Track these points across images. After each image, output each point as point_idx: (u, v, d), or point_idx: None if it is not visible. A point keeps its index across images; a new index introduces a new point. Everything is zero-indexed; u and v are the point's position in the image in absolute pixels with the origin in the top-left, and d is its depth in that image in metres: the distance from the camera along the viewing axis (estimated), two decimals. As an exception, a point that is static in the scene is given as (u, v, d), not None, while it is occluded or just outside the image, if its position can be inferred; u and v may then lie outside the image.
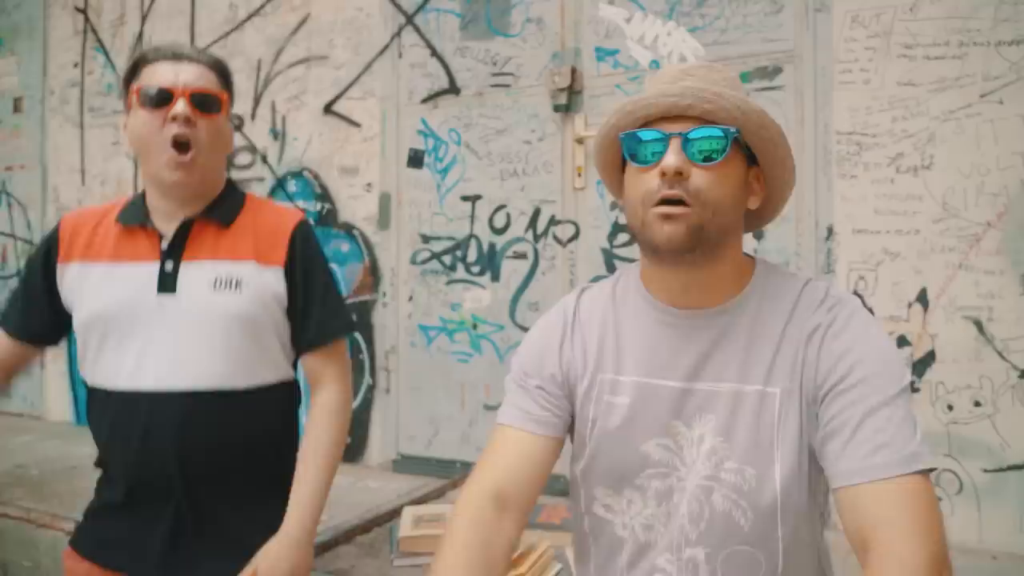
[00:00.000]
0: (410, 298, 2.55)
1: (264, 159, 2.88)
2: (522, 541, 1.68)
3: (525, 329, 2.34)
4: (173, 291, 1.13)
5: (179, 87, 1.12)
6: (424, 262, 2.52)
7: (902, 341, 1.86)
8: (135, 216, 1.17)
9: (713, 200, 0.83)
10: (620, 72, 2.20)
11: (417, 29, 2.54)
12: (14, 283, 3.52)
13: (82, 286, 1.15)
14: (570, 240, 2.27)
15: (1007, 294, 1.77)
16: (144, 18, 3.22)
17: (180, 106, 1.11)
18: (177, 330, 1.12)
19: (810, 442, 0.84)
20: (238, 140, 2.95)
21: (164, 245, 1.15)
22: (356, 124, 2.66)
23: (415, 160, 2.54)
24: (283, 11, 2.84)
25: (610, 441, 0.91)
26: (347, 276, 2.68)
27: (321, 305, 1.21)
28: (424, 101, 2.53)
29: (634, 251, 2.18)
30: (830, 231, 1.94)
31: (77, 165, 3.42)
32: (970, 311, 1.80)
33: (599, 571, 0.95)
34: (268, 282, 1.17)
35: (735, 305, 0.89)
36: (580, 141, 2.23)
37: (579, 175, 2.24)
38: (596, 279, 2.22)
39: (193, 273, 1.14)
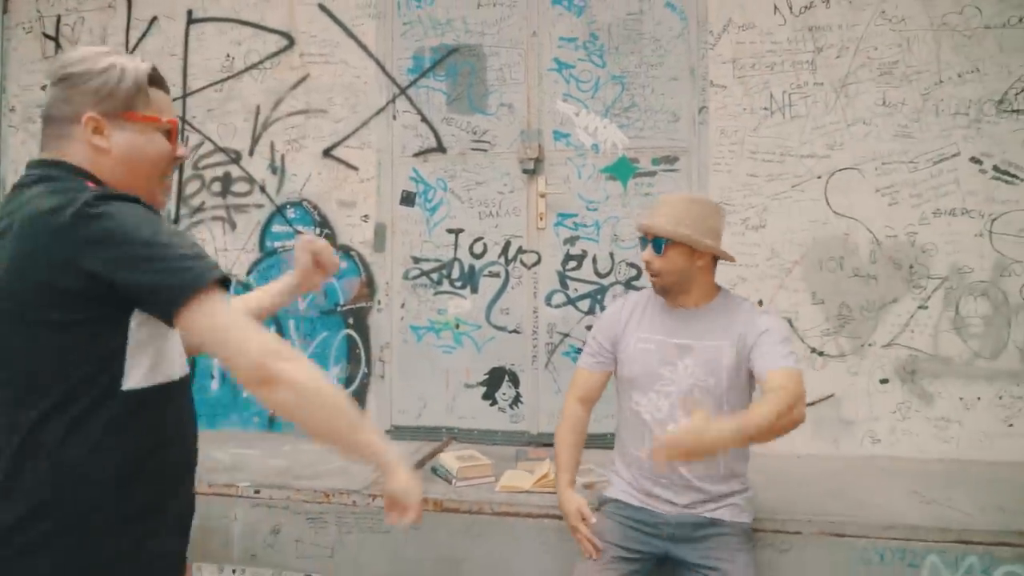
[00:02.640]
0: (402, 305, 3.31)
1: (263, 189, 3.45)
2: (539, 468, 2.58)
3: (498, 328, 3.22)
4: None
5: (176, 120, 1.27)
6: (415, 278, 3.30)
7: (748, 332, 3.02)
8: None
9: (665, 272, 1.94)
10: (571, 150, 3.17)
11: (409, 99, 3.32)
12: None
13: None
14: (533, 264, 3.20)
15: (804, 303, 3.00)
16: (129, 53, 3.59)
17: (185, 151, 1.30)
18: None
19: (743, 363, 1.91)
20: (236, 171, 3.49)
21: None
22: (354, 167, 3.36)
23: (407, 200, 3.31)
24: (282, 68, 3.44)
25: (641, 366, 1.99)
26: (345, 288, 3.36)
27: None
28: (415, 155, 3.31)
29: (580, 272, 3.17)
30: (707, 263, 3.07)
31: (44, 180, 3.67)
32: (785, 313, 3.01)
33: (633, 443, 2.00)
34: None
35: (705, 308, 1.99)
36: (543, 195, 3.17)
37: (541, 219, 3.18)
38: (553, 292, 3.17)
39: None
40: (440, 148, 3.29)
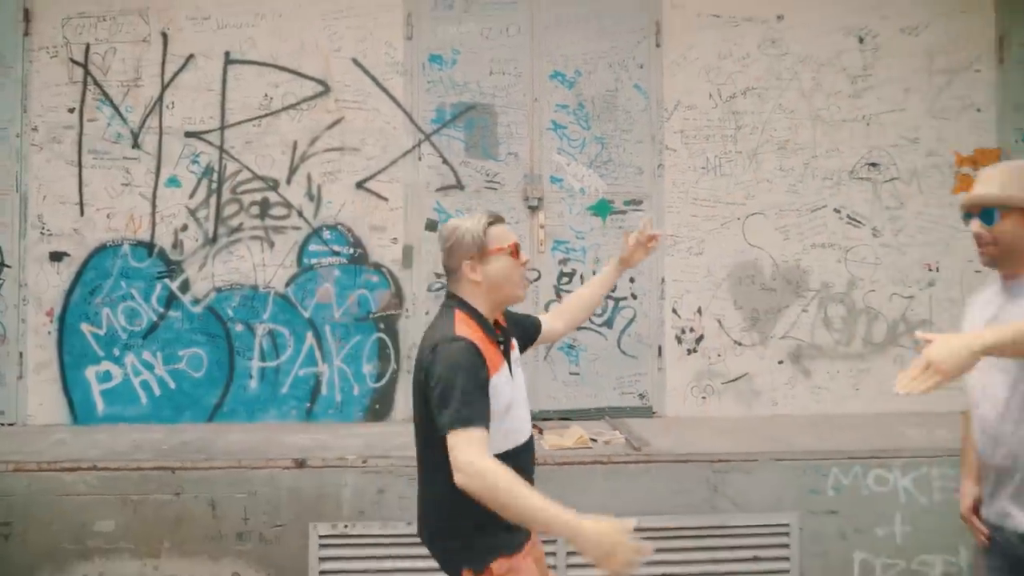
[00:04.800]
0: (427, 313, 4.04)
1: (300, 214, 4.01)
2: (568, 432, 3.49)
3: (507, 329, 4.07)
4: (513, 376, 1.98)
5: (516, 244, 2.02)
6: (437, 290, 4.05)
7: (691, 330, 4.15)
8: (493, 334, 1.95)
9: (999, 242, 1.81)
10: (564, 191, 4.11)
11: (433, 144, 4.06)
12: (-26, 300, 3.85)
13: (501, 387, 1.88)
14: (535, 280, 4.09)
15: (729, 308, 4.19)
16: (165, 86, 3.97)
17: (526, 256, 2.03)
18: (522, 391, 2.02)
19: None
20: (274, 197, 4.01)
21: (501, 345, 1.97)
22: (384, 198, 4.04)
23: (431, 226, 4.06)
24: (318, 110, 4.02)
25: None
26: (376, 299, 4.03)
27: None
28: (437, 190, 4.06)
29: (570, 286, 4.11)
30: (663, 280, 4.16)
31: (72, 198, 3.93)
32: (715, 316, 4.18)
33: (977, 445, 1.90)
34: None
35: None
36: (542, 226, 4.07)
37: (541, 245, 4.08)
38: (550, 302, 4.09)
39: (517, 365, 2.05)
40: (459, 186, 4.07)
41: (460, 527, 1.88)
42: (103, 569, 3.09)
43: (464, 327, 1.88)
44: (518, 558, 1.90)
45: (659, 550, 3.20)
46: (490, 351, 1.88)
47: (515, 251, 1.98)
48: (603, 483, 3.25)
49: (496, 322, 2.03)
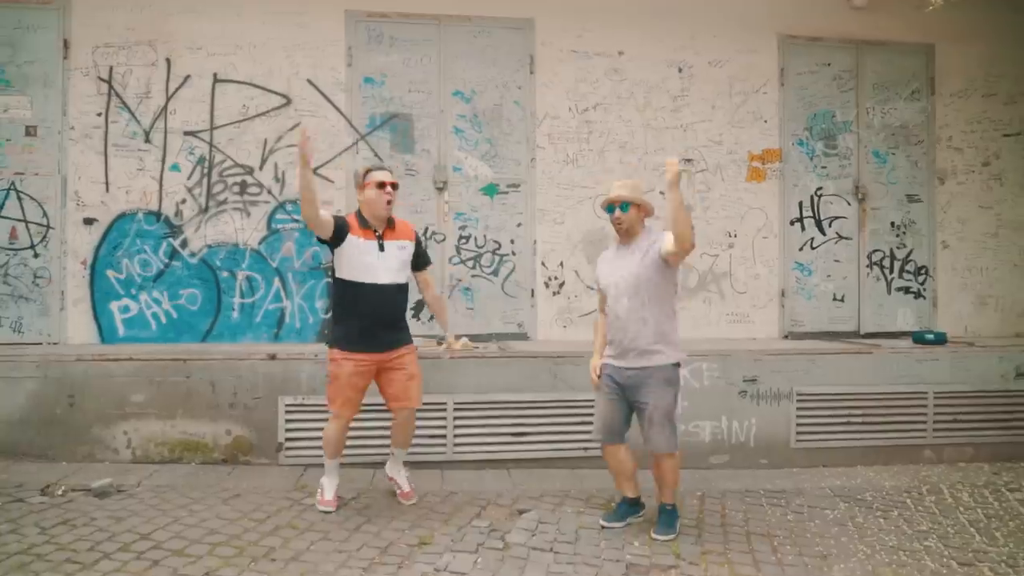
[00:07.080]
0: (363, 264, 5.57)
1: (270, 192, 5.50)
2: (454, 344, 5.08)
3: (421, 277, 5.63)
4: (383, 251, 3.86)
5: (389, 181, 3.86)
6: (371, 248, 5.58)
7: (556, 278, 5.76)
8: (366, 224, 3.86)
9: (627, 222, 3.78)
10: (463, 177, 5.68)
11: (367, 143, 5.60)
12: (26, 255, 5.27)
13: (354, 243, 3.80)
14: (441, 241, 5.65)
15: (583, 263, 5.81)
16: (169, 98, 5.42)
17: (391, 190, 3.86)
18: (387, 263, 3.88)
19: (651, 264, 3.70)
20: (250, 179, 5.50)
21: (377, 235, 3.89)
22: (331, 181, 5.56)
23: (366, 201, 5.58)
24: (282, 118, 5.52)
25: (605, 284, 3.89)
26: (324, 256, 5.55)
27: (425, 255, 4.28)
28: (371, 175, 5.59)
29: (467, 246, 5.70)
30: (535, 241, 5.75)
31: (100, 178, 5.36)
32: (573, 268, 5.79)
33: (611, 332, 3.90)
34: (409, 246, 4.06)
35: (636, 241, 3.79)
36: (447, 202, 5.64)
37: (446, 216, 5.64)
38: (451, 256, 5.68)
39: (390, 244, 3.92)
40: (386, 172, 5.62)
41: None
42: (137, 427, 4.56)
43: (350, 217, 3.89)
44: (344, 359, 3.72)
45: (516, 417, 4.82)
46: (358, 230, 3.82)
47: (379, 185, 3.71)
48: (481, 371, 4.83)
49: (390, 223, 3.95)
